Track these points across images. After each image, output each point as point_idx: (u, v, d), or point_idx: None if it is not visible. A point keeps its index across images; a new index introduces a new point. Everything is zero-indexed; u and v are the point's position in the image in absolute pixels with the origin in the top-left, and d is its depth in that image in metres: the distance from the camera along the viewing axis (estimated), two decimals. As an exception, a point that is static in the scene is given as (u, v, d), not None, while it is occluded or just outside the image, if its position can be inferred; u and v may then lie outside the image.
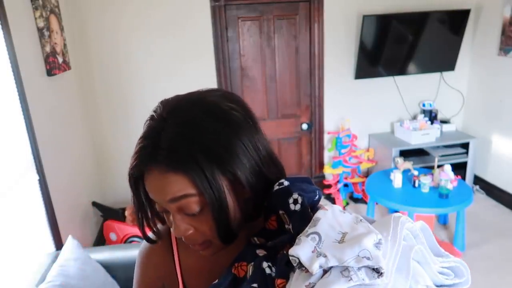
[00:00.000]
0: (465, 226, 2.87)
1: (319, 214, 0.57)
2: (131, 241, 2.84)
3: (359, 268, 0.49)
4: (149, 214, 0.66)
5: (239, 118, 0.62)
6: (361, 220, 0.56)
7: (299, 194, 0.60)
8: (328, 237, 0.53)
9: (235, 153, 0.59)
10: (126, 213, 2.87)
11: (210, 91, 0.64)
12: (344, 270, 0.49)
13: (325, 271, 0.50)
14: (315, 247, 0.51)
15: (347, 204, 3.64)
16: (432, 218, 3.09)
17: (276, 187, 0.65)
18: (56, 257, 1.81)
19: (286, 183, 0.64)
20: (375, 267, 0.48)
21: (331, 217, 0.56)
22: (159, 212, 0.64)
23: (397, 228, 0.55)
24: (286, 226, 0.60)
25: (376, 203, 3.26)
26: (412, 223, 0.57)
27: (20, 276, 1.72)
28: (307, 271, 0.51)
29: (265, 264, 0.58)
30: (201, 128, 0.58)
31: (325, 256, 0.50)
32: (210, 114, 0.60)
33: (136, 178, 0.61)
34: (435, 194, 2.79)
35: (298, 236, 0.54)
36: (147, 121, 0.62)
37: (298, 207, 0.59)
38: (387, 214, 3.34)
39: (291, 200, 0.60)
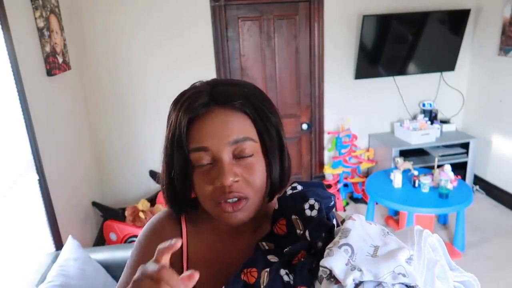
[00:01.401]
0: (465, 226, 2.86)
1: (348, 224, 0.56)
2: (131, 241, 2.83)
3: (393, 285, 0.48)
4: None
5: None
6: (388, 233, 0.56)
7: (316, 200, 0.59)
8: (360, 250, 0.52)
9: (279, 116, 0.66)
10: (126, 213, 2.87)
11: None
12: (378, 285, 0.48)
13: (356, 285, 0.50)
14: (348, 259, 0.50)
15: (347, 204, 3.63)
16: (432, 218, 3.08)
17: (289, 191, 0.64)
18: (56, 257, 1.81)
19: (299, 187, 0.63)
20: (412, 285, 0.48)
21: (360, 229, 0.55)
22: (198, 161, 0.61)
23: (421, 243, 0.54)
24: (298, 231, 0.59)
25: (376, 203, 3.26)
26: (431, 236, 0.57)
27: (20, 276, 1.72)
28: (337, 282, 0.50)
29: (282, 272, 0.56)
30: (249, 87, 0.65)
31: (360, 270, 0.49)
32: (249, 83, 0.67)
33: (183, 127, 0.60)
34: (435, 194, 2.79)
35: (329, 247, 0.53)
36: (188, 91, 0.63)
37: (314, 213, 0.58)
38: (387, 214, 3.35)
39: (306, 206, 0.58)
